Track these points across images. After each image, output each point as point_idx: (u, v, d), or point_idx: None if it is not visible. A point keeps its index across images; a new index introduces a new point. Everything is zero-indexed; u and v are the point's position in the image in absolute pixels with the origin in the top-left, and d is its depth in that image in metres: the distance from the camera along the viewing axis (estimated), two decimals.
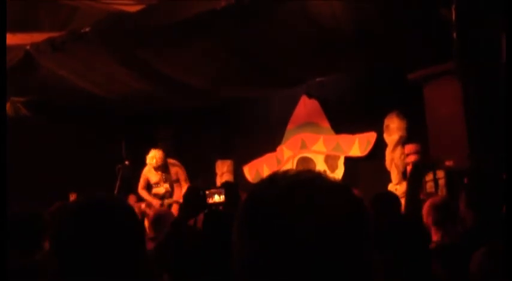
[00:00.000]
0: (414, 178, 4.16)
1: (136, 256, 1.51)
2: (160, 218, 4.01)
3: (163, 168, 7.82)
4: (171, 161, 7.96)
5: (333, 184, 1.00)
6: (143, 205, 7.79)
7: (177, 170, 7.86)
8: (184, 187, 7.60)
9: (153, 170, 7.86)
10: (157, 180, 7.86)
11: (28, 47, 6.71)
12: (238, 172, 9.46)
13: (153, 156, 7.76)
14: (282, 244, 0.91)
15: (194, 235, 2.53)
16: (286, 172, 1.01)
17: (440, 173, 6.56)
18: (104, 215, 1.51)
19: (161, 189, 7.84)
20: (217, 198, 2.92)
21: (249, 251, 0.94)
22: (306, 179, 0.99)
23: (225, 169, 9.40)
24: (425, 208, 3.82)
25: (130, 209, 1.64)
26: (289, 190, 0.96)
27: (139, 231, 1.56)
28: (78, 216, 1.52)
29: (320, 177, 1.00)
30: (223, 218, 2.43)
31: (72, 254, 1.46)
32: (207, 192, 2.75)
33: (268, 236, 0.92)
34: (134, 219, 1.58)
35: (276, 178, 1.00)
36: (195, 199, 2.48)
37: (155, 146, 8.00)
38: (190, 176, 8.37)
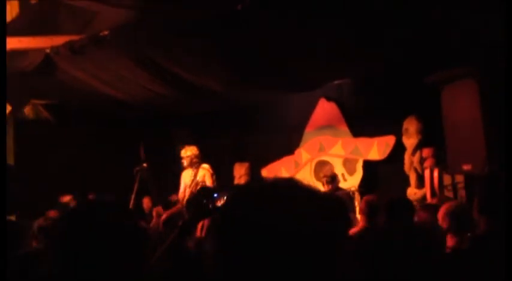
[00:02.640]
0: None
1: (133, 259, 1.53)
2: (170, 220, 4.03)
3: (193, 166, 7.82)
4: (203, 165, 7.97)
5: (308, 191, 1.01)
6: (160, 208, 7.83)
7: (204, 173, 7.87)
8: None
9: (187, 172, 7.89)
10: (188, 181, 7.89)
11: (48, 51, 6.78)
12: (256, 175, 9.46)
13: (186, 149, 7.81)
14: (255, 250, 0.92)
15: (199, 240, 2.53)
16: (262, 181, 1.03)
17: (460, 178, 6.49)
18: (98, 217, 1.53)
19: (189, 190, 7.85)
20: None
21: (223, 255, 0.95)
22: (281, 187, 1.00)
23: (242, 171, 9.41)
24: (440, 213, 3.77)
25: (128, 211, 1.65)
26: (263, 199, 0.97)
27: (136, 233, 1.57)
28: (73, 218, 1.55)
29: (295, 185, 1.01)
30: None
31: (67, 254, 1.49)
32: (215, 195, 2.74)
33: (241, 242, 0.94)
34: (131, 221, 1.60)
35: (251, 187, 1.02)
36: (202, 202, 2.47)
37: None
38: None
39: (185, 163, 7.85)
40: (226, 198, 1.05)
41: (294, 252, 0.93)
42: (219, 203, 2.79)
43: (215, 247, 0.97)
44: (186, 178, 7.90)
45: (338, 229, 0.98)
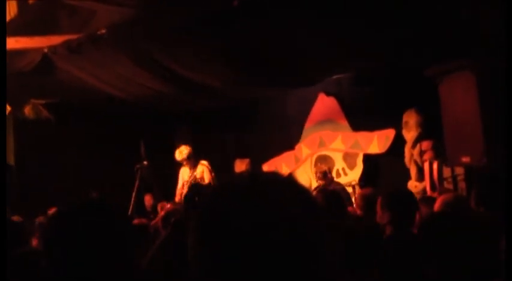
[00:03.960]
0: None
1: (124, 259, 1.54)
2: (169, 217, 4.04)
3: (191, 164, 7.84)
4: (201, 161, 7.99)
5: (286, 184, 1.00)
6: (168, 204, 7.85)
7: (203, 169, 7.89)
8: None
9: (185, 168, 7.91)
10: (187, 178, 7.92)
11: (46, 50, 6.79)
12: (256, 171, 9.45)
13: (179, 150, 7.81)
14: (232, 245, 0.92)
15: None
16: (240, 175, 1.02)
17: (460, 170, 6.48)
18: (91, 216, 1.55)
19: (186, 187, 7.88)
20: None
21: (202, 251, 0.95)
22: (258, 180, 0.99)
23: (243, 167, 9.41)
24: (437, 204, 3.77)
25: (119, 210, 1.67)
26: (241, 195, 0.96)
27: (128, 234, 1.58)
28: (67, 218, 1.56)
29: (273, 178, 1.00)
30: None
31: (61, 254, 1.50)
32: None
33: (218, 238, 0.93)
34: (124, 222, 1.61)
35: (229, 182, 1.01)
36: (195, 198, 2.48)
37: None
38: None
39: (184, 162, 7.87)
40: (204, 194, 1.03)
41: (275, 250, 0.91)
42: None
43: (193, 244, 0.96)
44: (185, 174, 7.92)
45: (321, 224, 0.97)
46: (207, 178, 7.80)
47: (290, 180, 1.02)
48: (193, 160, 7.84)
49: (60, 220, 1.60)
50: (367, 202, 4.50)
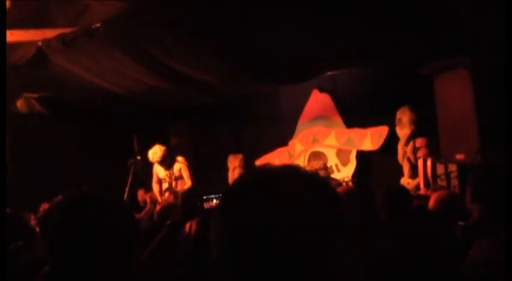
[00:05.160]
0: None
1: (124, 253, 1.53)
2: (165, 212, 4.03)
3: (167, 164, 7.80)
4: (177, 158, 7.94)
5: (306, 177, 0.97)
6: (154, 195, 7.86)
7: (180, 167, 7.85)
8: (188, 184, 7.63)
9: (159, 167, 7.87)
10: (164, 176, 7.90)
11: (40, 43, 6.74)
12: (250, 167, 9.46)
13: (153, 152, 7.73)
14: (250, 239, 0.90)
15: (189, 239, 2.55)
16: (261, 167, 1.01)
17: (453, 167, 6.52)
18: (92, 210, 1.54)
19: (166, 185, 7.88)
20: (215, 203, 2.86)
21: (222, 245, 0.94)
22: (277, 173, 0.98)
23: (237, 163, 9.42)
24: (431, 201, 3.79)
25: (121, 205, 1.66)
26: (258, 184, 0.95)
27: (128, 227, 1.58)
28: (67, 211, 1.55)
29: (293, 170, 0.98)
30: None
31: (62, 247, 1.50)
32: (205, 197, 2.74)
33: (236, 231, 0.92)
34: (123, 215, 1.61)
35: (248, 174, 1.00)
36: (192, 203, 2.49)
37: (160, 142, 7.95)
38: (203, 171, 8.37)
39: (164, 165, 7.80)
40: (222, 192, 1.02)
41: (296, 247, 0.89)
42: (208, 205, 2.79)
43: (211, 242, 0.95)
44: (160, 171, 7.87)
45: (342, 220, 0.94)
46: (185, 176, 7.75)
47: (308, 173, 0.99)
48: (168, 161, 7.75)
49: (59, 214, 1.58)
50: (349, 197, 4.52)
